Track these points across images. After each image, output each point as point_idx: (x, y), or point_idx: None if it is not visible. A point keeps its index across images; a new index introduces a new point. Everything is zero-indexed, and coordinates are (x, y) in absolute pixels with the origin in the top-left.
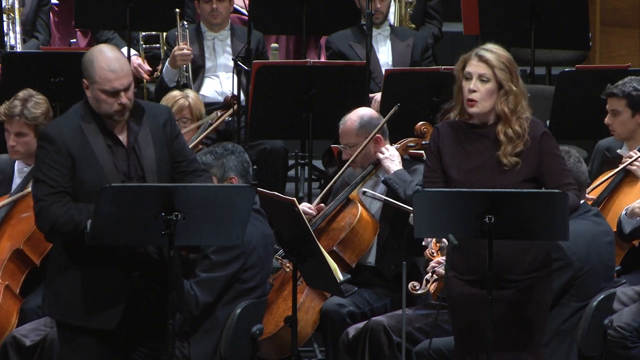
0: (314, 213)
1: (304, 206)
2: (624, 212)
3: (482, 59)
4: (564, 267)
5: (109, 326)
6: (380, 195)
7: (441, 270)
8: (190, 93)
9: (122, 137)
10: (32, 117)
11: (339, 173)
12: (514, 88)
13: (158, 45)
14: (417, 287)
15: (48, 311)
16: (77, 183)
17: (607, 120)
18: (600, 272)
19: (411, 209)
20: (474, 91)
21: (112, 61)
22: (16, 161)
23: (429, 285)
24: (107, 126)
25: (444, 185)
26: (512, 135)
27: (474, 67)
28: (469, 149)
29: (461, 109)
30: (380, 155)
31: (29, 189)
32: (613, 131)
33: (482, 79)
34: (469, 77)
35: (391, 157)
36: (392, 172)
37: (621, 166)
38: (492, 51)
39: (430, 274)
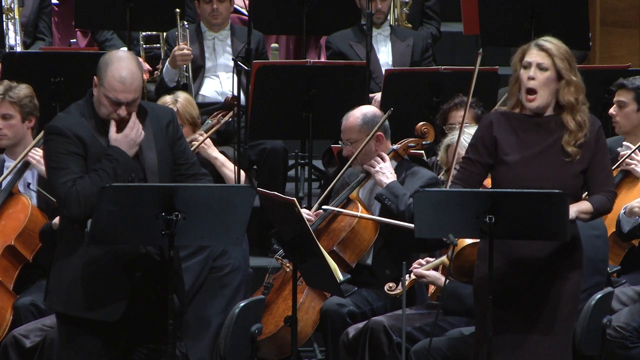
0: (313, 219)
1: (303, 212)
2: (622, 210)
3: (541, 48)
4: None
5: (111, 317)
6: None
7: (419, 270)
8: (180, 97)
9: None
10: (17, 97)
11: (340, 173)
12: (574, 78)
13: (158, 45)
14: (393, 288)
15: (50, 303)
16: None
17: (612, 110)
18: (589, 265)
19: (392, 222)
20: (533, 79)
21: (125, 73)
22: (5, 159)
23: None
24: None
25: (480, 178)
26: (578, 125)
27: (533, 56)
28: (524, 137)
29: (516, 101)
30: (372, 169)
31: (18, 186)
32: (615, 123)
33: (540, 67)
34: (527, 66)
35: (382, 170)
36: (384, 185)
37: (621, 167)
38: (552, 42)
39: (407, 275)
